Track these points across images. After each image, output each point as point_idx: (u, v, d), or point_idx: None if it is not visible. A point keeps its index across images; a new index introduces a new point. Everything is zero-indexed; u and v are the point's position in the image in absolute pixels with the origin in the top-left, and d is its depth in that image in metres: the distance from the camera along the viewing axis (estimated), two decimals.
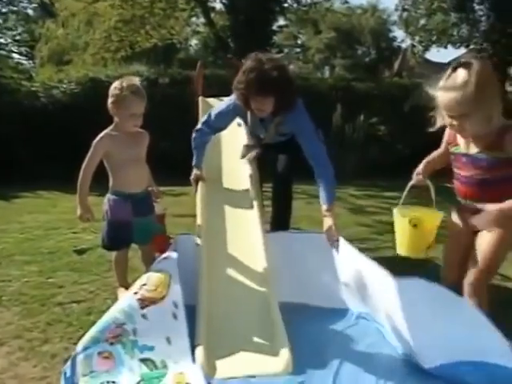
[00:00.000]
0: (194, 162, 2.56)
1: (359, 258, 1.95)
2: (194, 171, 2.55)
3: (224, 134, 2.85)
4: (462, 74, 1.52)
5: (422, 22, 14.30)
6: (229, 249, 2.17)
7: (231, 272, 2.03)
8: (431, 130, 1.77)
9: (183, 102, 6.31)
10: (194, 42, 23.58)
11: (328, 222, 2.16)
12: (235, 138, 2.86)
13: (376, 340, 1.78)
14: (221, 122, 2.54)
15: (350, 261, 2.20)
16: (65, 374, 1.42)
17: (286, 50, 23.61)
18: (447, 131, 1.79)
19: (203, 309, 1.76)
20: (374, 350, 1.70)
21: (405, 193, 1.80)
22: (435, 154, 1.90)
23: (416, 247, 1.64)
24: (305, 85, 8.43)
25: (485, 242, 1.64)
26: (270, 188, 2.73)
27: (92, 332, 1.53)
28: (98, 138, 2.09)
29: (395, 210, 1.76)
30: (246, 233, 2.23)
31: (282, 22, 11.29)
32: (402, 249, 1.68)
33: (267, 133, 2.57)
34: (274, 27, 9.96)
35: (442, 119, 1.67)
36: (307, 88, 8.18)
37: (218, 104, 2.71)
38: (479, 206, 1.63)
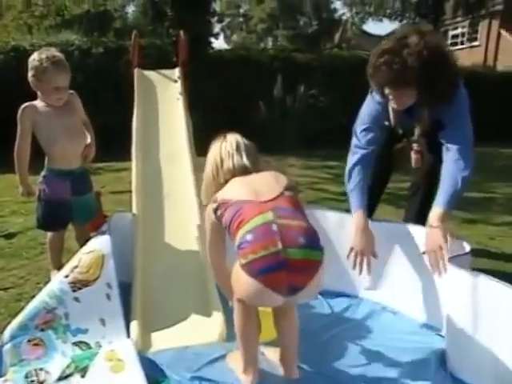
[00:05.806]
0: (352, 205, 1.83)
1: None
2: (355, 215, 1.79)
3: (162, 113, 2.68)
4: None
5: None
6: (165, 224, 2.13)
7: (166, 247, 2.02)
8: None
9: (119, 74, 5.99)
10: (131, 9, 22.23)
11: (434, 236, 1.57)
12: (175, 113, 2.75)
13: (317, 305, 1.88)
14: (370, 131, 1.90)
15: None
16: None
17: (227, 20, 23.00)
18: None
19: (138, 284, 1.75)
20: (310, 310, 1.80)
21: None
22: None
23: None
24: (245, 55, 8.34)
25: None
26: None
27: (20, 319, 1.46)
28: (20, 110, 1.94)
29: None
30: (181, 208, 2.20)
31: None
32: None
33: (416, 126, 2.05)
34: None
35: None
36: (248, 58, 8.09)
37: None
38: None
